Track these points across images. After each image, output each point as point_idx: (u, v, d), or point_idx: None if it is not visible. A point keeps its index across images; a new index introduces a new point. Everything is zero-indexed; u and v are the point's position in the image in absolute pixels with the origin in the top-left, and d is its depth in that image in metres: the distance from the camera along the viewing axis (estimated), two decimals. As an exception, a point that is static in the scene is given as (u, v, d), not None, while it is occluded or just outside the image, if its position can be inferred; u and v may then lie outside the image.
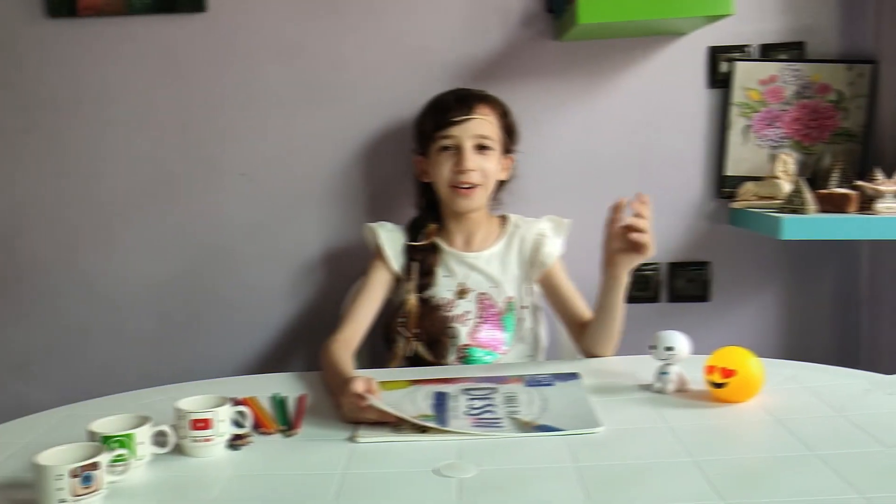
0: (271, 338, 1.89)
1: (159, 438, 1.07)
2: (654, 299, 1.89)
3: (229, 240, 1.88)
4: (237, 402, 1.31)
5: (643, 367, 1.41)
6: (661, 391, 1.31)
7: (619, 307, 1.47)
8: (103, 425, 1.04)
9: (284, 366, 1.88)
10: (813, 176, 1.80)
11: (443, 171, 1.57)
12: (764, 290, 1.89)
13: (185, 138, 1.85)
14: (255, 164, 1.85)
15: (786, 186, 1.72)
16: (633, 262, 1.41)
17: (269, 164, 1.85)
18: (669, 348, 1.29)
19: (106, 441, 0.99)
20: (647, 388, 1.33)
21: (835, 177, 1.75)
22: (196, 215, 1.87)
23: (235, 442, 1.13)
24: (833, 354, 1.88)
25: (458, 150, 1.56)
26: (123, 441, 1.00)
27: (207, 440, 1.08)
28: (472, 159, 1.55)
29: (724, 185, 1.84)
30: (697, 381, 1.29)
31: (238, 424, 1.15)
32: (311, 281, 1.87)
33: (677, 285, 1.88)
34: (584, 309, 1.60)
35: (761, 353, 1.27)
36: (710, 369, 1.25)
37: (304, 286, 1.88)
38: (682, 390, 1.31)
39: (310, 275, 1.87)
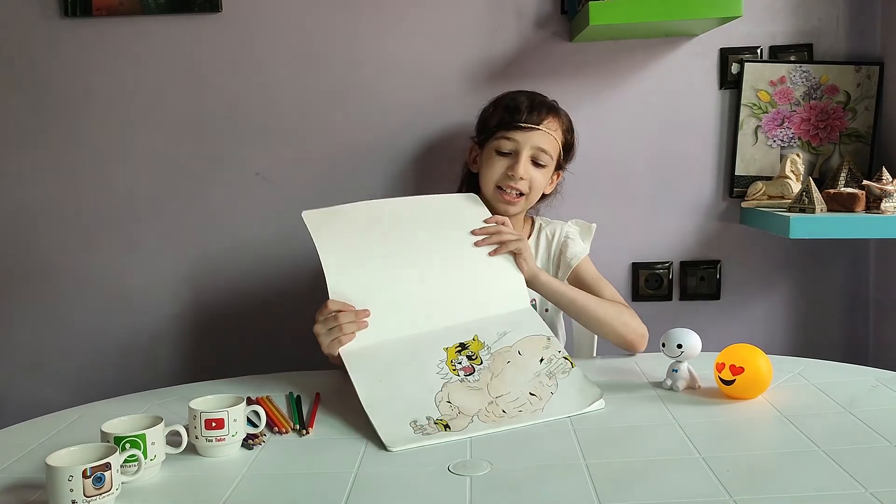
0: (288, 338, 1.91)
1: (173, 438, 1.08)
2: (665, 297, 1.89)
3: (245, 240, 1.89)
4: (251, 402, 1.33)
5: (654, 364, 1.43)
6: (671, 388, 1.32)
7: (566, 299, 1.48)
8: (116, 426, 1.05)
9: (301, 366, 1.89)
10: (821, 176, 1.82)
11: (493, 171, 1.55)
12: (773, 288, 1.90)
13: (200, 138, 1.87)
14: (271, 165, 1.87)
15: (795, 186, 1.73)
16: (522, 264, 1.43)
17: (285, 164, 1.87)
18: (680, 346, 1.30)
19: (118, 442, 1.00)
20: (658, 385, 1.34)
21: (843, 176, 1.76)
22: (211, 216, 1.89)
23: (249, 441, 1.14)
24: (841, 351, 1.88)
25: (514, 156, 1.54)
26: (136, 441, 1.01)
27: (221, 440, 1.10)
28: (525, 169, 1.53)
29: (734, 185, 1.84)
30: (707, 378, 1.30)
31: (252, 424, 1.16)
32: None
33: (689, 284, 1.89)
34: (609, 297, 1.56)
35: (771, 350, 1.28)
36: (720, 366, 1.26)
37: (321, 287, 1.88)
38: (692, 387, 1.32)
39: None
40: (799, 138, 1.82)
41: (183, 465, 1.08)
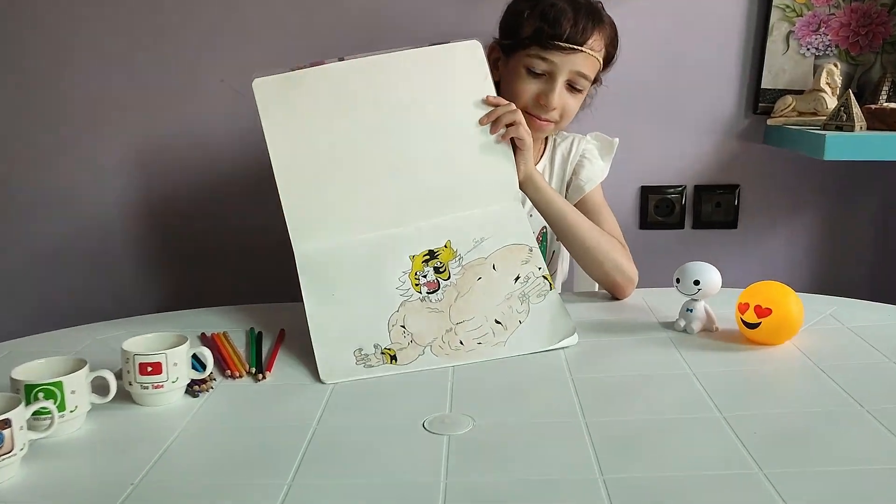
0: (263, 266, 1.74)
1: (102, 383, 0.92)
2: (677, 225, 1.72)
3: (215, 157, 1.70)
4: (205, 339, 1.17)
5: (665, 301, 1.26)
6: (685, 330, 1.15)
7: (556, 212, 1.26)
8: (29, 371, 0.89)
9: (277, 298, 1.73)
10: (860, 90, 1.63)
11: (522, 93, 1.30)
12: (798, 216, 1.72)
13: (160, 44, 1.66)
14: (238, 72, 1.66)
15: (830, 101, 1.54)
16: (520, 160, 1.22)
17: (255, 72, 1.66)
18: (697, 282, 1.13)
19: (29, 391, 0.84)
20: (669, 326, 1.18)
21: (885, 90, 1.58)
22: (176, 130, 1.69)
23: (194, 388, 0.99)
24: (868, 290, 1.72)
25: (548, 79, 1.29)
26: (50, 391, 0.85)
27: (158, 386, 0.94)
28: (560, 97, 1.29)
29: (759, 99, 1.65)
30: (726, 318, 1.13)
31: (198, 367, 1.00)
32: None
33: (703, 210, 1.71)
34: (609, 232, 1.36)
35: (792, 285, 1.11)
36: (743, 307, 1.09)
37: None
38: (708, 329, 1.16)
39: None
40: (836, 46, 1.61)
41: (114, 416, 0.93)
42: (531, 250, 1.16)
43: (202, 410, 0.95)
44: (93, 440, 0.88)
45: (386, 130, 1.19)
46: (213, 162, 1.70)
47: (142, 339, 0.98)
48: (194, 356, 0.99)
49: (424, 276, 1.13)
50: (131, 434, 0.89)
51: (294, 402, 0.97)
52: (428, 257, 1.15)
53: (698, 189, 1.72)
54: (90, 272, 1.76)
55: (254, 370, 1.05)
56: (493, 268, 1.14)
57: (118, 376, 0.94)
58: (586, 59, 1.29)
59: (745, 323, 1.09)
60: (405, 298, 1.11)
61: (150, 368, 0.93)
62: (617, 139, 1.44)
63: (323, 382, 1.00)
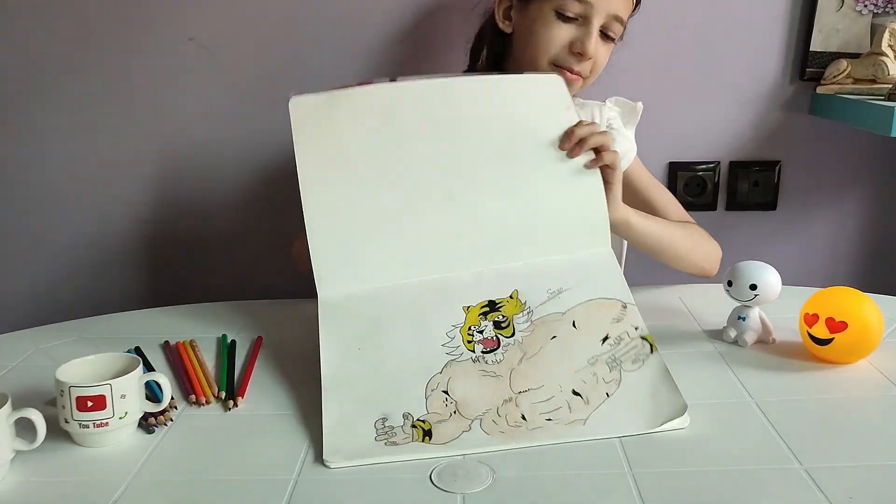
0: (239, 251, 1.55)
1: (26, 427, 0.74)
2: (709, 207, 1.53)
3: (183, 126, 1.49)
4: (168, 349, 0.99)
5: (704, 302, 1.10)
6: (735, 342, 0.98)
7: (651, 238, 1.09)
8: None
9: (258, 290, 1.55)
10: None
11: (553, 41, 1.10)
12: (847, 199, 1.53)
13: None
14: (209, 29, 1.45)
15: (893, 66, 1.35)
16: (612, 192, 1.01)
17: (228, 30, 1.45)
18: (754, 287, 0.95)
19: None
20: (715, 336, 1.01)
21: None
22: (137, 94, 1.48)
23: (150, 420, 0.81)
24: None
25: (583, 24, 1.10)
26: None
27: (103, 424, 0.76)
28: (596, 45, 1.11)
29: (807, 64, 1.44)
30: (784, 327, 0.96)
31: (152, 398, 0.82)
32: (290, 181, 1.51)
33: (739, 189, 1.52)
34: (673, 214, 1.22)
35: (835, 279, 0.94)
36: (811, 319, 0.91)
37: (280, 186, 1.51)
38: (763, 341, 0.98)
39: (288, 172, 1.51)
40: (899, 3, 1.41)
41: (46, 462, 0.75)
42: (625, 307, 0.92)
43: (158, 451, 0.77)
44: (17, 496, 0.70)
45: (444, 158, 0.97)
46: (183, 131, 1.50)
47: (82, 362, 0.81)
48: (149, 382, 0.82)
49: (481, 332, 0.90)
50: (69, 485, 0.72)
51: (272, 440, 0.79)
52: (487, 309, 0.93)
53: (734, 166, 1.52)
54: (41, 259, 1.56)
55: (223, 395, 0.87)
56: (574, 325, 0.90)
57: (52, 404, 0.76)
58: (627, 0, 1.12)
59: (812, 338, 0.91)
60: (453, 358, 0.87)
61: (90, 403, 0.75)
62: (640, 104, 1.25)
63: (326, 465, 0.74)
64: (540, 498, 0.68)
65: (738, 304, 0.98)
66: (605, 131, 1.01)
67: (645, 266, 1.23)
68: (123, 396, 0.77)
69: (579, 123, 0.99)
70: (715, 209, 1.54)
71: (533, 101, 1.00)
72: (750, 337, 0.97)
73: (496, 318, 0.91)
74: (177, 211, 1.53)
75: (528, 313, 0.92)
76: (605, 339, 0.89)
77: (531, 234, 0.98)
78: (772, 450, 0.74)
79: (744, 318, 0.98)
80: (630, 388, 0.83)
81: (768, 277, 0.95)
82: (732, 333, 0.98)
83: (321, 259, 0.95)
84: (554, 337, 0.89)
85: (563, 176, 0.99)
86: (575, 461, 0.74)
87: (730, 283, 0.97)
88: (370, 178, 0.96)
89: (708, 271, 1.18)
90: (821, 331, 0.90)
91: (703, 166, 1.53)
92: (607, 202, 1.00)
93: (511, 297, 0.94)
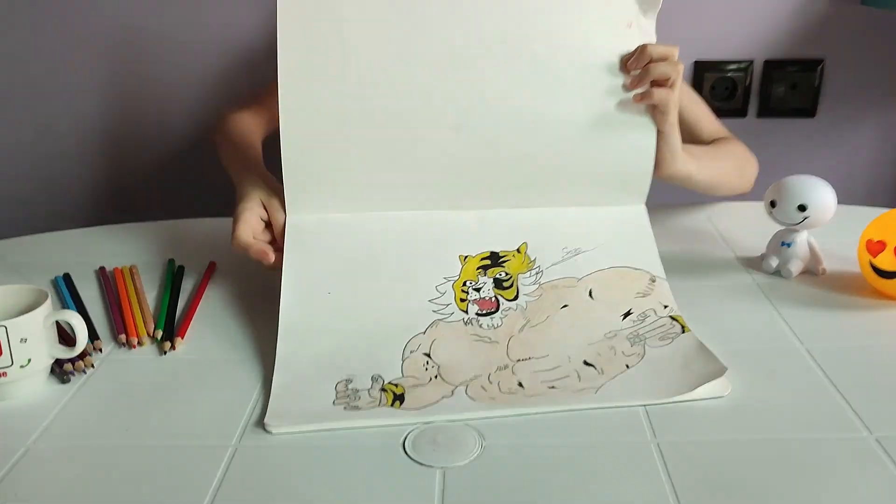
0: (198, 159, 1.38)
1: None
2: (739, 113, 1.36)
3: (133, 20, 1.31)
4: (104, 275, 0.84)
5: (736, 224, 0.95)
6: (778, 272, 0.83)
7: (704, 183, 0.89)
8: None
9: (217, 206, 1.39)
10: None
11: None
12: (896, 103, 1.36)
13: None
14: None
15: (966, -56, 1.15)
16: (669, 142, 0.81)
17: None
18: (803, 208, 0.79)
19: None
20: (753, 265, 0.85)
21: None
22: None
23: (65, 367, 0.66)
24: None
25: None
26: None
27: (0, 374, 0.61)
28: None
29: (862, -57, 1.25)
30: (835, 254, 0.81)
31: (67, 339, 0.68)
32: (254, 77, 1.33)
33: (774, 93, 1.35)
34: (707, 129, 1.03)
35: (878, 198, 0.78)
36: (874, 246, 0.76)
37: (258, 78, 1.34)
38: (811, 271, 0.83)
39: (253, 68, 1.33)
40: None
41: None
42: (653, 280, 0.77)
43: (70, 407, 0.63)
44: None
45: (466, 64, 0.77)
46: (134, 25, 1.32)
47: (-17, 297, 0.65)
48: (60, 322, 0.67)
49: (478, 291, 0.75)
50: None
51: (211, 394, 0.65)
52: (488, 262, 0.77)
53: (769, 65, 1.34)
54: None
55: (160, 334, 0.72)
56: (590, 295, 0.75)
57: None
58: None
59: (876, 270, 0.75)
60: (440, 317, 0.72)
61: (-18, 350, 0.60)
62: None
63: (267, 430, 0.59)
64: (540, 473, 0.54)
65: (783, 228, 0.82)
66: (678, 61, 0.79)
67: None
68: (24, 340, 0.62)
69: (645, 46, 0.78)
70: (745, 115, 1.36)
71: (587, 8, 0.79)
72: (795, 266, 0.81)
73: (497, 275, 0.75)
74: (131, 109, 1.36)
75: (536, 273, 0.76)
76: (628, 314, 0.73)
77: (554, 174, 0.80)
78: (832, 413, 0.59)
79: (788, 245, 0.82)
80: (656, 361, 0.67)
81: (822, 196, 0.79)
82: (774, 262, 0.82)
83: (294, 172, 0.76)
84: (565, 306, 0.73)
85: (609, 110, 0.78)
86: (586, 429, 0.59)
87: (773, 204, 0.80)
88: (369, 73, 0.76)
89: (745, 191, 1.01)
90: (887, 261, 0.74)
91: (734, 66, 1.34)
92: (668, 155, 0.81)
93: (518, 250, 0.77)
